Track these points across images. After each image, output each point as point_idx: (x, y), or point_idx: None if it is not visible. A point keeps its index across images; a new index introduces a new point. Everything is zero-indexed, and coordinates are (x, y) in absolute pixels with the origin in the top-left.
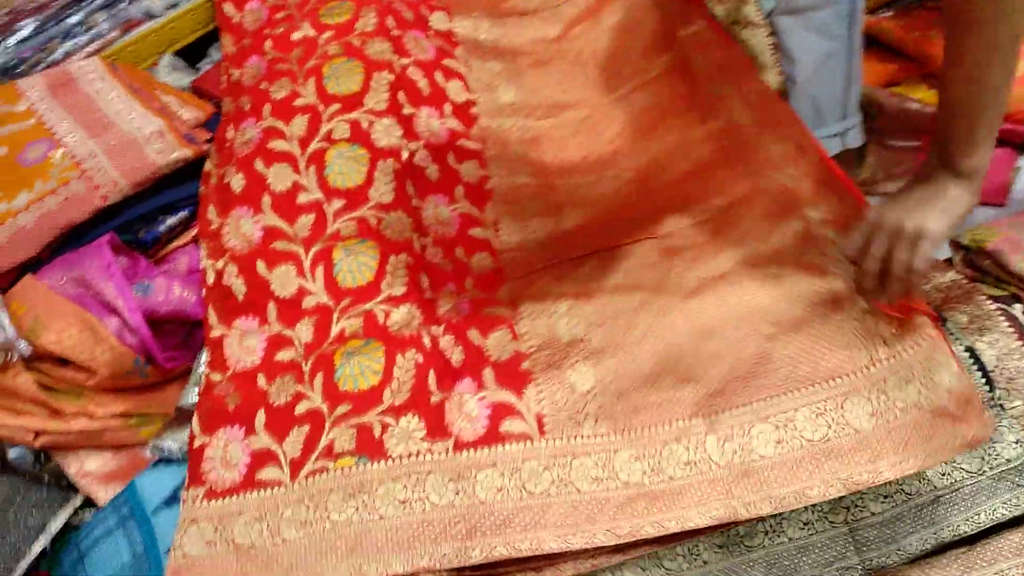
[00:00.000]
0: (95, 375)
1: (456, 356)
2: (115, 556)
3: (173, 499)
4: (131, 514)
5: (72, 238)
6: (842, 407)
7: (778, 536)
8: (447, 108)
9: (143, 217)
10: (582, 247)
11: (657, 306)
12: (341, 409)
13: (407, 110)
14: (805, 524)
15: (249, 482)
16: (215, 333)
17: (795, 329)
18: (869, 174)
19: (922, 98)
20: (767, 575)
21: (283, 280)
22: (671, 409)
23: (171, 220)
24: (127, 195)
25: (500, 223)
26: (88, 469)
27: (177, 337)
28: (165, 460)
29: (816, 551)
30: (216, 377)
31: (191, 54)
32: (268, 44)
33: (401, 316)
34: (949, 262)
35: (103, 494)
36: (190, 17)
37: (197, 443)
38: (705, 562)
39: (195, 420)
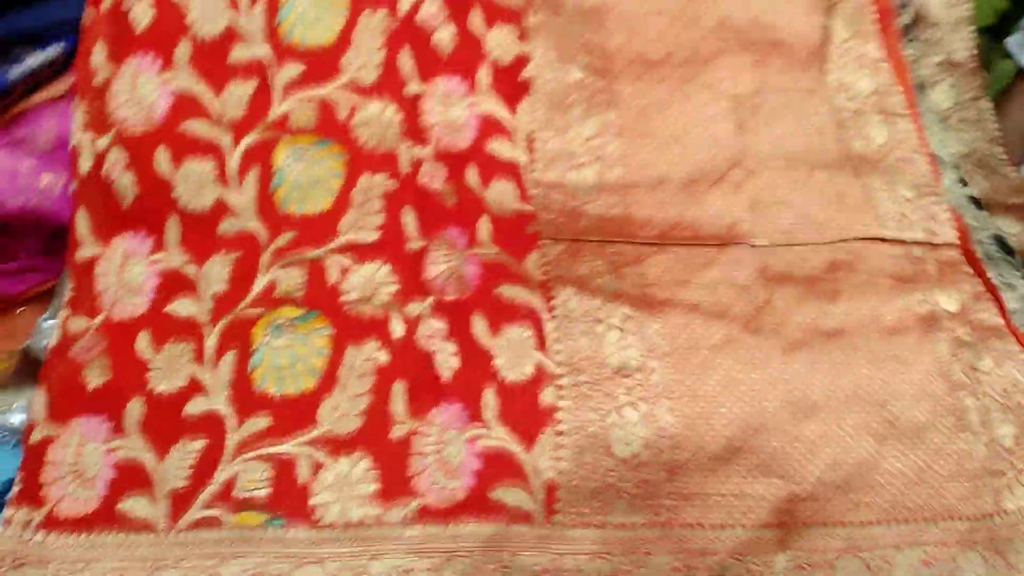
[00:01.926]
0: None
1: (445, 360)
2: None
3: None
4: None
5: None
6: (955, 561)
7: None
8: None
9: None
10: (650, 226)
11: (747, 351)
12: (254, 423)
13: None
14: None
15: (107, 513)
16: (84, 252)
17: (913, 437)
18: None
19: None
20: None
21: (194, 183)
22: (739, 508)
23: (33, 59)
24: None
25: (536, 139)
26: None
27: (37, 241)
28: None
29: None
30: (78, 324)
31: None
32: None
33: (363, 279)
34: None
35: None
36: None
37: (37, 434)
38: None
39: (38, 396)
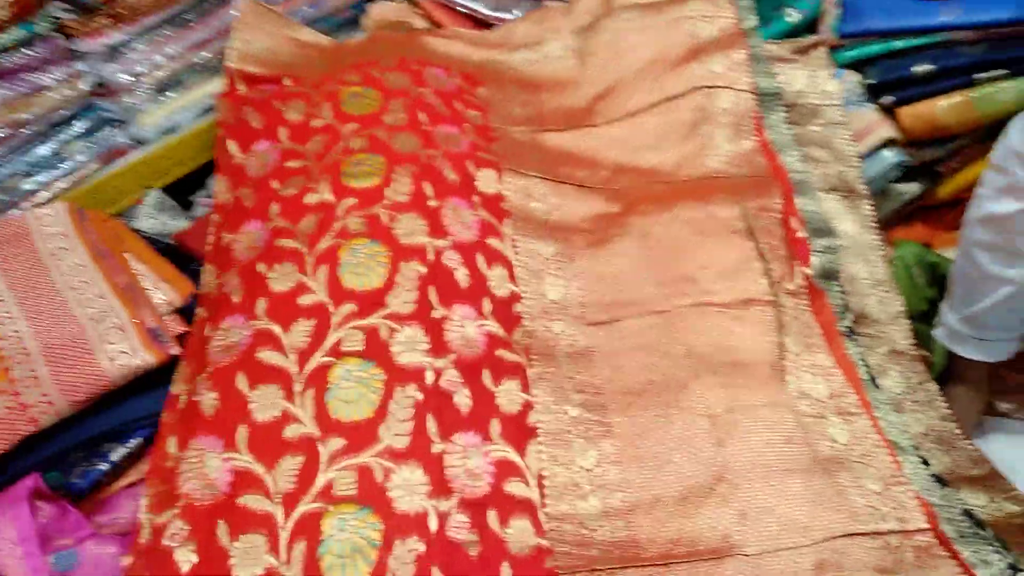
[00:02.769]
0: None
1: None
2: None
3: None
4: None
5: None
6: None
7: None
8: (486, 305)
9: (81, 445)
10: (653, 545)
11: None
12: None
13: (437, 312)
14: None
15: None
16: None
17: None
18: None
19: None
20: None
21: (247, 554)
22: None
23: (118, 454)
24: (64, 416)
25: (546, 476)
26: None
27: None
28: None
29: None
30: None
31: (184, 187)
32: (274, 208)
33: None
34: None
35: None
36: (188, 145)
37: None
38: None
39: None
